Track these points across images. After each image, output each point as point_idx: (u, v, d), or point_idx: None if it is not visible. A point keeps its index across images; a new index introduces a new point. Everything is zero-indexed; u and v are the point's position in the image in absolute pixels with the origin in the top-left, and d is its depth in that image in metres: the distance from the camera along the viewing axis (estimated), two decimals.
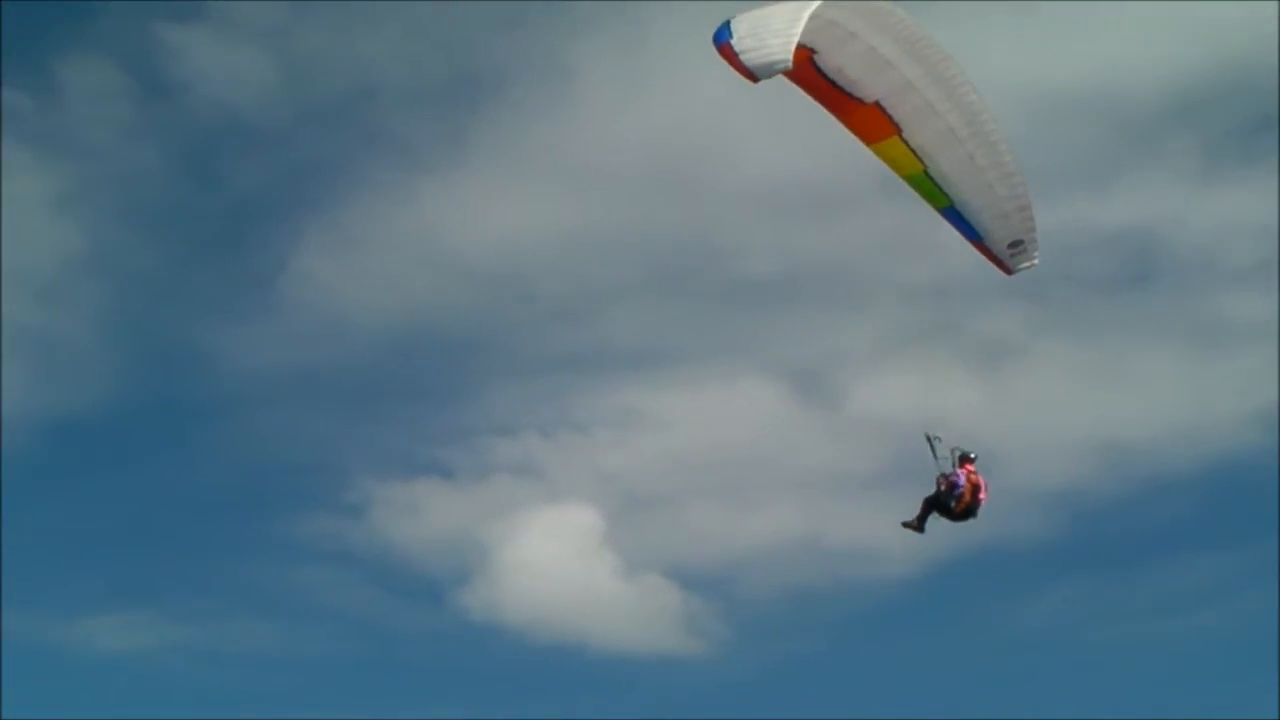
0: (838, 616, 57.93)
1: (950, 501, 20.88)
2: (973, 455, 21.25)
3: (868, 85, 19.40)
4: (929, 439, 21.01)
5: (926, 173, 20.69)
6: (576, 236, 63.67)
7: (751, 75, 16.66)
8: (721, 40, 17.07)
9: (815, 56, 18.58)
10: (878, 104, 19.71)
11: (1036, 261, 21.27)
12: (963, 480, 21.01)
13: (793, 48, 16.43)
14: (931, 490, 21.12)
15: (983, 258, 21.46)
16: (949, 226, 21.12)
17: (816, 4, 17.14)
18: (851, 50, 18.79)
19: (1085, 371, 59.88)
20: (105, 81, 63.58)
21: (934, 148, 20.38)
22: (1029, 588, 57.74)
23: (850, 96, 19.51)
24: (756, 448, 61.01)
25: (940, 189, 20.88)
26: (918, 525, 21.21)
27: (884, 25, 18.74)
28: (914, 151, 20.41)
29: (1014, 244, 21.18)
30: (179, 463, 62.42)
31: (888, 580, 55.93)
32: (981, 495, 21.16)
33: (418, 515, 60.48)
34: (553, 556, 58.28)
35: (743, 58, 16.54)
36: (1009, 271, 21.44)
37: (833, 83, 19.22)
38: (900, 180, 20.93)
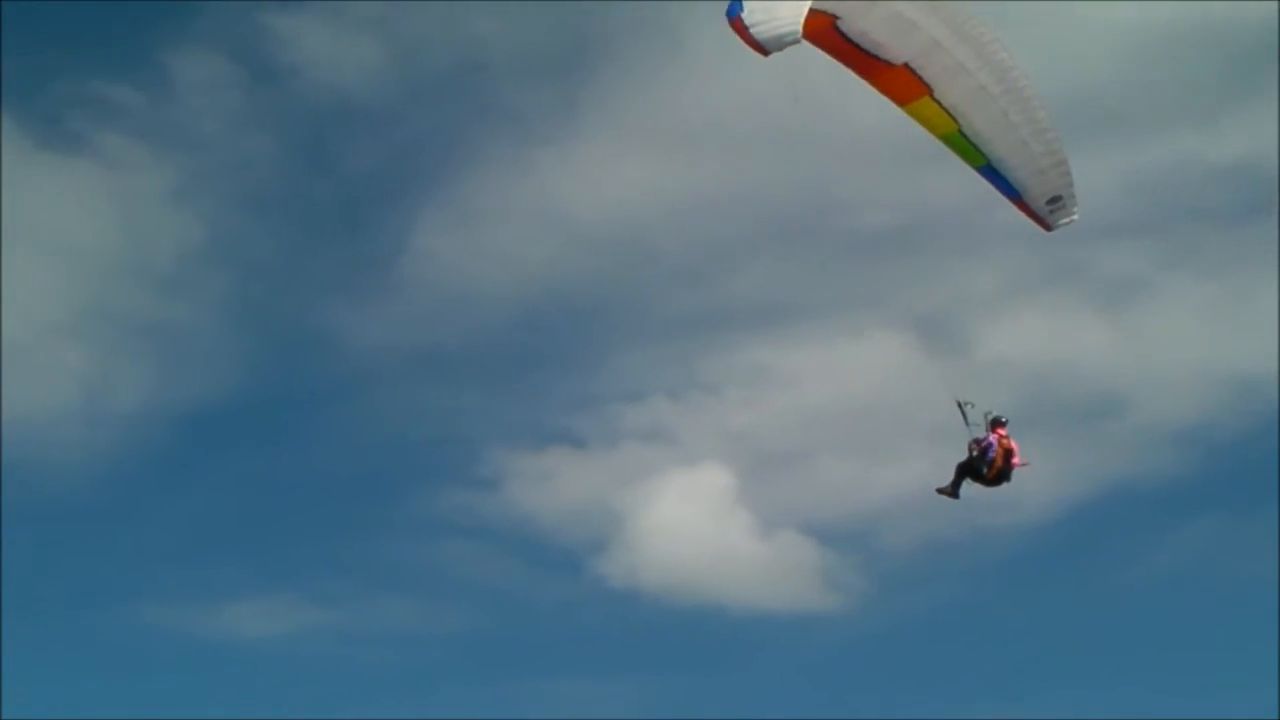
0: (974, 565, 57.45)
1: (982, 467, 21.05)
2: (1004, 419, 21.36)
3: (895, 47, 19.64)
4: (960, 405, 21.17)
5: (961, 131, 20.89)
6: (695, 197, 63.35)
7: (761, 48, 16.97)
8: (733, 14, 17.41)
9: (838, 22, 18.90)
10: (906, 65, 19.95)
11: (1076, 217, 21.35)
12: (995, 445, 21.13)
13: (802, 20, 16.70)
14: (964, 456, 21.30)
15: (1022, 215, 21.60)
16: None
17: None
18: (875, 14, 19.06)
19: (1212, 306, 59.07)
20: (214, 72, 64.55)
21: (966, 106, 20.56)
22: (1163, 526, 57.10)
23: (878, 59, 19.78)
24: (886, 399, 59.49)
25: (976, 147, 21.07)
26: (951, 491, 21.46)
27: None
28: (946, 111, 20.62)
29: (1052, 200, 21.30)
30: (311, 446, 63.30)
31: (1023, 526, 55.46)
32: (1015, 460, 21.25)
33: (551, 485, 60.88)
34: (688, 519, 58.61)
35: (752, 31, 16.87)
36: (1049, 228, 21.58)
37: (858, 47, 19.51)
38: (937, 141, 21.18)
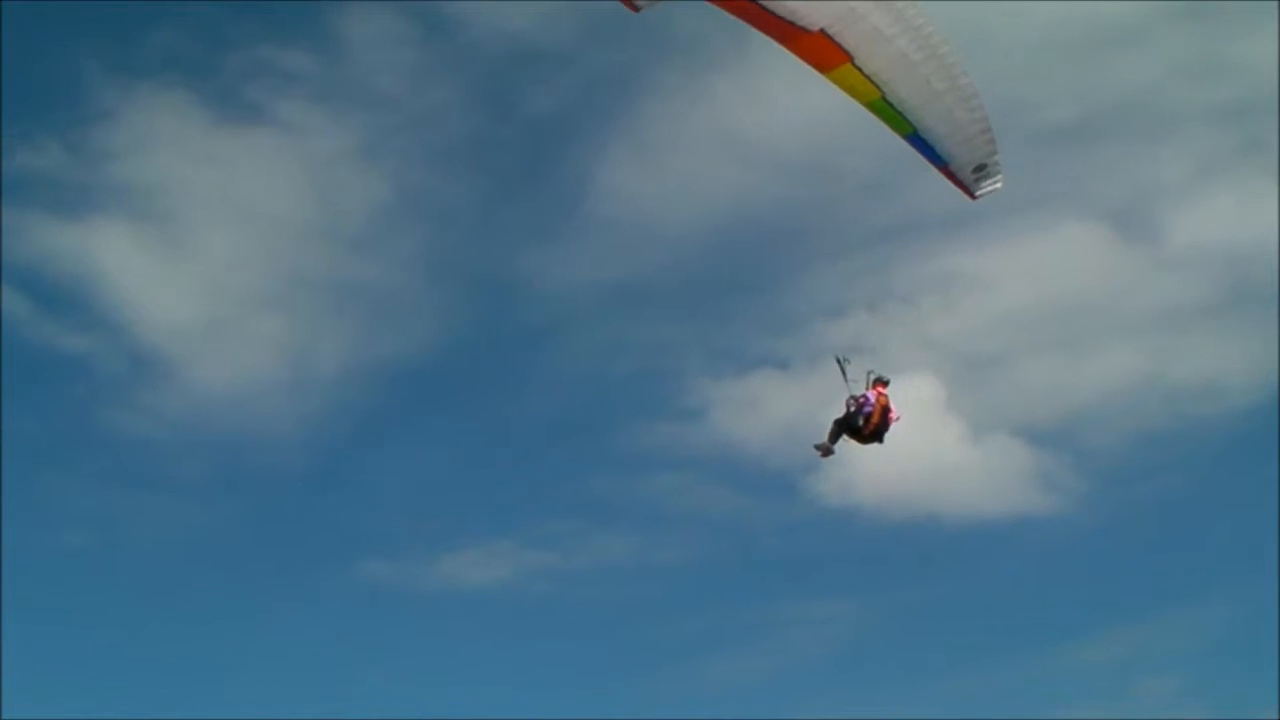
0: (1187, 455, 57.41)
1: (858, 421, 21.00)
2: (886, 379, 21.26)
3: (809, 13, 19.38)
4: (838, 360, 21.15)
5: (884, 99, 20.65)
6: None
7: (631, 4, 16.91)
8: None
9: None
10: (823, 32, 19.70)
11: (1000, 185, 21.12)
12: (872, 400, 21.11)
13: None
14: (841, 412, 21.27)
15: (949, 183, 21.36)
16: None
17: None
18: None
19: None
20: (386, 30, 65.03)
21: (889, 74, 20.30)
22: None
23: (794, 25, 19.54)
24: (1084, 293, 60.48)
25: (902, 115, 20.84)
26: (828, 447, 21.41)
27: None
28: (869, 78, 20.38)
29: (978, 168, 21.07)
30: (515, 391, 64.66)
31: (1235, 411, 55.45)
32: (892, 416, 21.21)
33: (757, 410, 61.01)
34: (896, 431, 58.06)
35: None
36: (973, 196, 21.34)
37: (771, 12, 19.28)
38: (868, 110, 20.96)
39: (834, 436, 21.49)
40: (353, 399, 61.17)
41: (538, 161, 67.05)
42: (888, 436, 21.52)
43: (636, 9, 17.16)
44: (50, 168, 60.03)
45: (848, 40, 19.87)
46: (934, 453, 56.83)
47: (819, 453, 21.55)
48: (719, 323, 66.15)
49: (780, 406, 59.79)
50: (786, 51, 20.12)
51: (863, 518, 57.14)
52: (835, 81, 20.57)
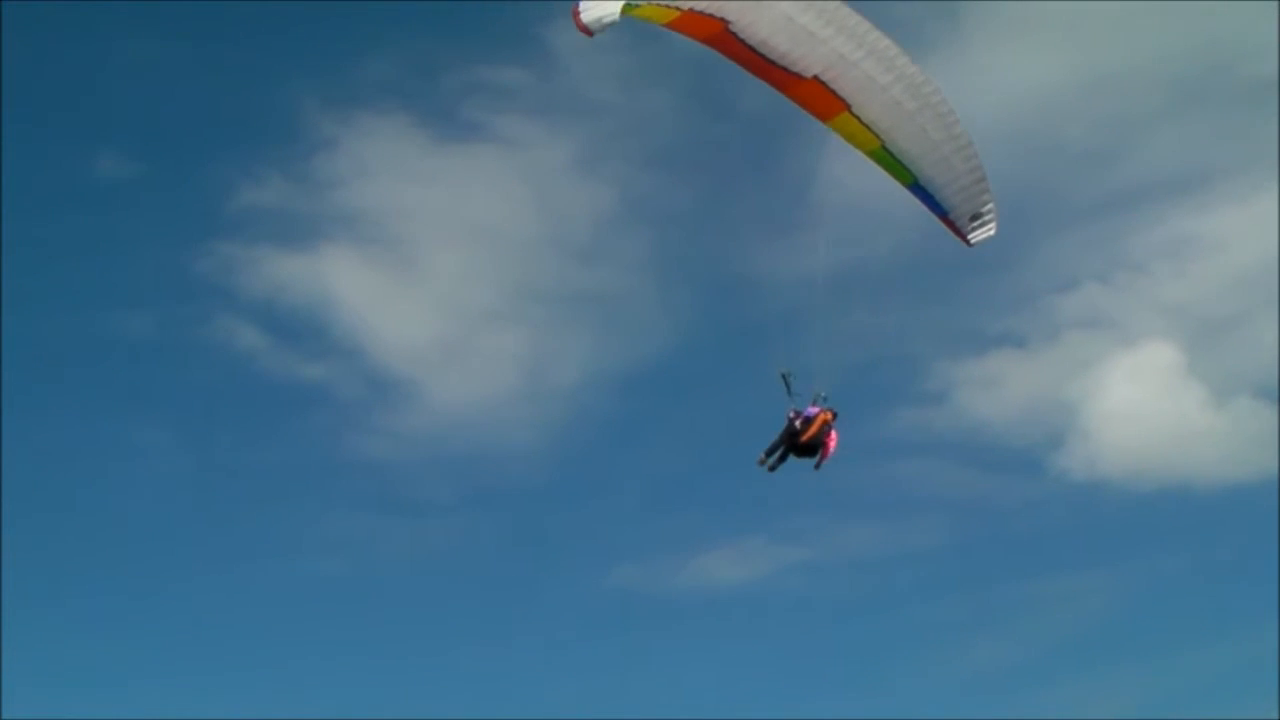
0: None
1: (796, 426, 21.02)
2: (834, 410, 21.35)
3: (800, 59, 20.18)
4: (783, 375, 21.29)
5: (884, 148, 21.23)
6: (1086, 76, 62.55)
7: (585, 29, 17.96)
8: (573, 4, 18.47)
9: (730, 26, 19.68)
10: (817, 79, 20.47)
11: (993, 232, 21.38)
12: (813, 414, 21.16)
13: (618, 7, 17.59)
14: (783, 426, 21.33)
15: (947, 230, 21.70)
16: None
17: None
18: (766, 20, 19.69)
19: None
20: (596, 38, 66.60)
21: (886, 123, 20.91)
22: None
23: (787, 71, 20.39)
24: None
25: (903, 164, 21.36)
26: (766, 460, 21.41)
27: None
28: (867, 126, 21.01)
29: (974, 216, 21.37)
30: (752, 387, 62.90)
31: None
32: (830, 444, 21.19)
33: (998, 389, 60.98)
34: (1140, 400, 58.76)
35: (582, 15, 17.85)
36: (969, 244, 21.57)
37: (762, 56, 20.18)
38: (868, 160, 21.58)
39: (770, 451, 21.51)
40: (591, 406, 61.79)
41: (757, 157, 66.99)
42: (826, 466, 21.55)
43: (590, 34, 18.13)
44: (275, 201, 62.22)
45: (842, 88, 20.59)
46: (1178, 420, 57.79)
47: (761, 466, 21.60)
48: (954, 303, 64.83)
49: (1021, 383, 60.13)
50: (788, 99, 21.01)
51: (1111, 489, 56.60)
52: (836, 130, 21.25)
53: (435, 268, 63.06)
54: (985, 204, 21.19)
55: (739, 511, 58.97)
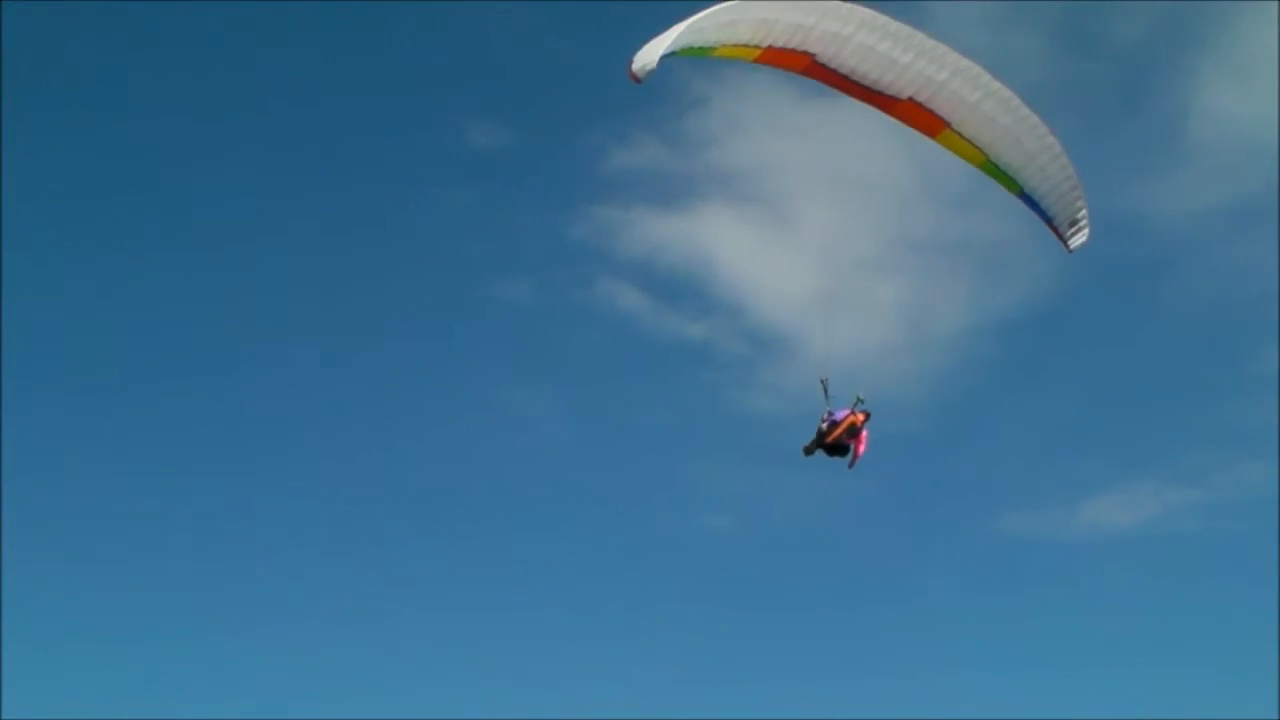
0: None
1: (823, 426, 22.01)
2: (868, 412, 22.46)
3: (891, 83, 21.71)
4: (821, 381, 22.33)
5: (990, 161, 22.35)
6: None
7: (634, 77, 20.11)
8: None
9: (817, 59, 21.53)
10: (912, 99, 21.97)
11: (1087, 238, 21.98)
12: (840, 417, 22.07)
13: (660, 53, 19.52)
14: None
15: (1052, 234, 22.45)
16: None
17: (697, 16, 19.90)
18: (850, 50, 21.37)
19: None
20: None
21: (986, 137, 22.06)
22: None
23: (883, 94, 22.03)
24: None
25: (1008, 175, 22.39)
26: (810, 448, 22.41)
27: (864, 22, 21.03)
28: (969, 142, 22.24)
29: (1072, 223, 22.05)
30: (1136, 327, 64.03)
31: None
32: (860, 445, 22.13)
33: None
34: None
35: (633, 65, 20.03)
36: (1069, 250, 22.21)
37: (856, 82, 21.92)
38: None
39: (811, 448, 22.73)
40: (973, 353, 61.95)
41: (1130, 95, 64.76)
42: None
43: (638, 81, 20.14)
44: (650, 163, 64.09)
45: (939, 107, 21.95)
46: None
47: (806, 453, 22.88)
48: None
49: None
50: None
51: None
52: (944, 145, 22.56)
53: (811, 222, 62.19)
54: (1080, 210, 21.85)
55: (1127, 454, 59.26)
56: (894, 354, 60.69)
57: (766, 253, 63.16)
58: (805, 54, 21.51)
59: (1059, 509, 58.33)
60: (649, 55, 19.56)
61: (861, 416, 22.51)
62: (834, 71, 21.81)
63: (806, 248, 62.89)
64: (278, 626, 53.90)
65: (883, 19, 21.17)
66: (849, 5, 21.01)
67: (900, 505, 61.28)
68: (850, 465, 22.61)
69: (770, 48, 21.23)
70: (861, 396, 22.67)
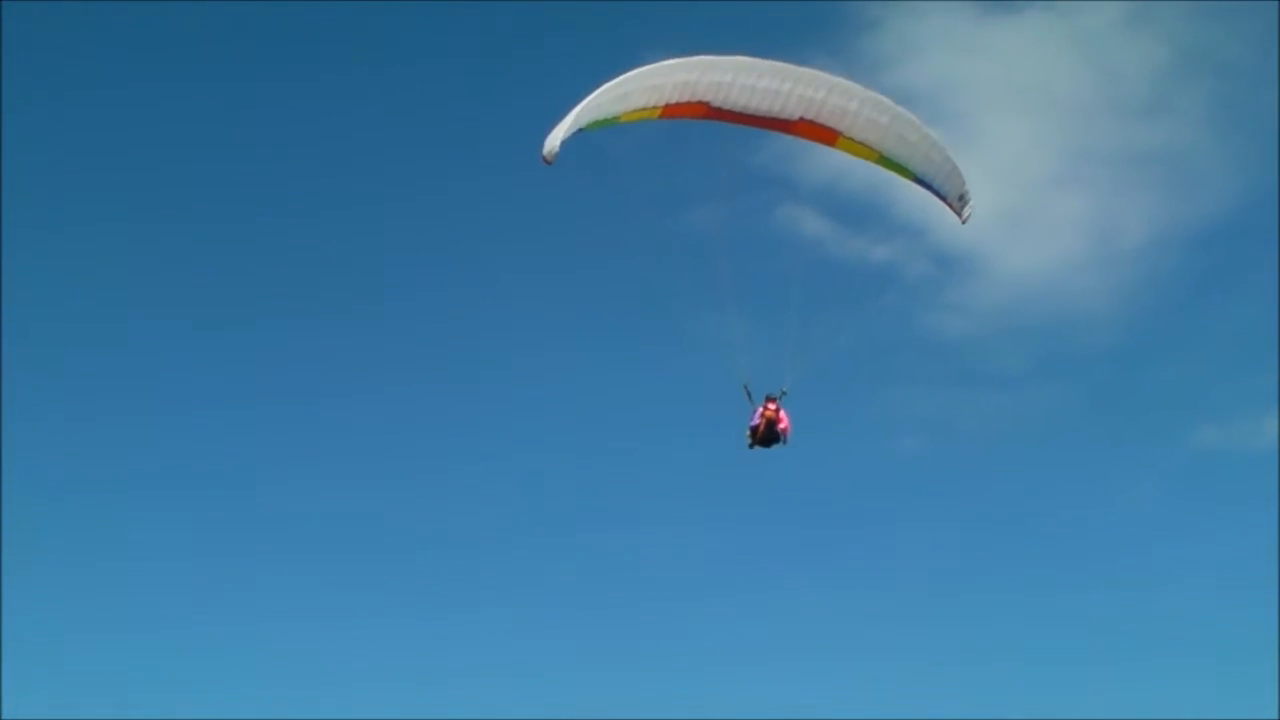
0: None
1: (747, 436, 24.95)
2: (776, 395, 25.16)
3: (781, 110, 24.76)
4: (744, 388, 25.16)
5: (883, 156, 25.31)
6: None
7: (544, 160, 23.15)
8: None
9: (711, 104, 24.70)
10: (803, 119, 24.99)
11: (972, 209, 24.84)
12: (756, 418, 25.02)
13: (561, 138, 22.59)
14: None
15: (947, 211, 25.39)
16: None
17: (592, 96, 22.91)
18: (737, 92, 24.49)
19: None
20: None
21: (876, 138, 25.02)
22: None
23: (779, 119, 25.09)
24: None
25: (901, 165, 25.34)
26: (751, 447, 25.23)
27: (741, 67, 24.10)
28: (862, 144, 25.21)
29: (960, 197, 24.93)
30: None
31: None
32: (781, 424, 24.98)
33: None
34: None
35: (542, 150, 22.97)
36: (963, 220, 25.13)
37: (751, 114, 25.00)
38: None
39: (752, 446, 25.36)
40: (1162, 265, 61.80)
41: None
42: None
43: (547, 163, 23.23)
44: None
45: (827, 120, 24.94)
46: None
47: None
48: None
49: None
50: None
51: None
52: (842, 150, 25.56)
53: (993, 139, 63.01)
54: (963, 186, 24.80)
55: None
56: (1081, 268, 63.25)
57: None
58: (700, 103, 24.73)
59: (1252, 421, 58.48)
60: (552, 140, 22.92)
61: (773, 406, 25.29)
62: (730, 111, 24.98)
63: (990, 165, 61.36)
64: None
65: (757, 61, 24.34)
66: (725, 57, 24.20)
67: (1092, 421, 61.88)
68: (784, 443, 25.43)
69: (668, 105, 24.49)
70: (784, 389, 25.46)
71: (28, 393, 56.97)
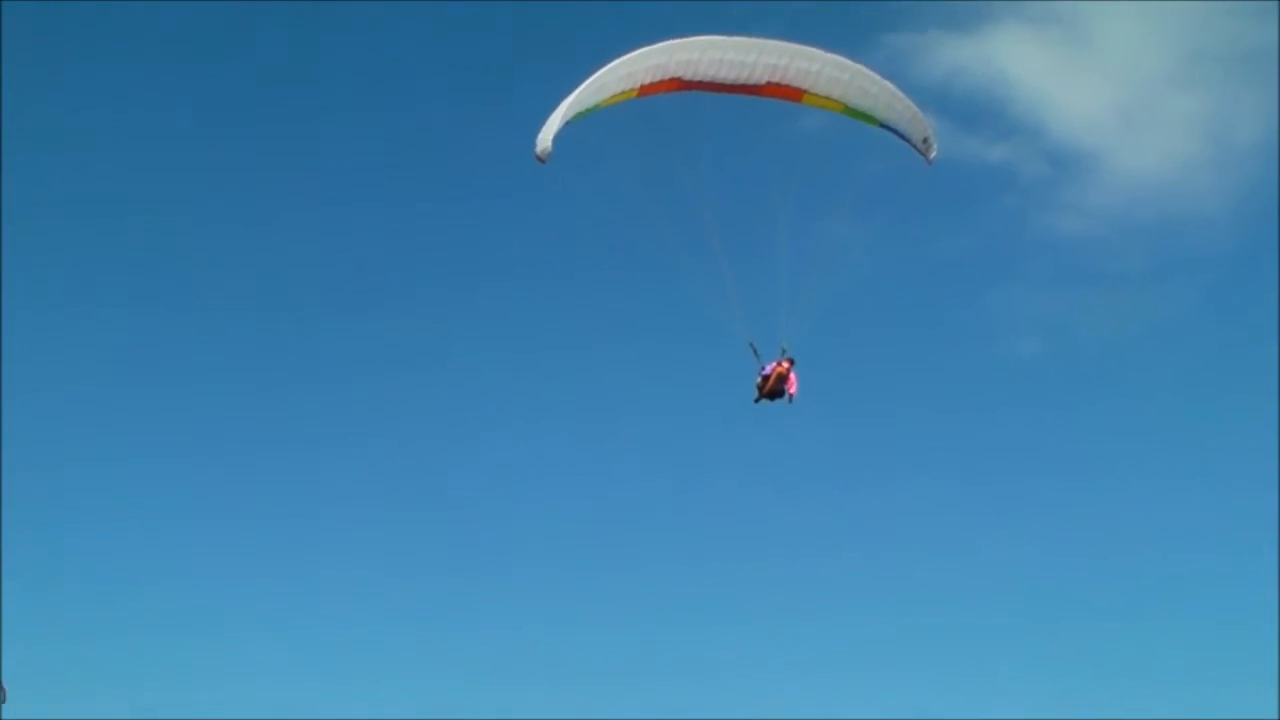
0: None
1: (758, 381, 26.91)
2: (792, 359, 26.85)
3: (749, 77, 26.56)
4: (751, 345, 27.01)
5: (849, 108, 27.13)
6: None
7: (537, 159, 25.13)
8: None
9: (684, 79, 26.48)
10: (770, 82, 26.79)
11: (937, 151, 26.72)
12: (769, 370, 26.82)
13: (552, 135, 24.54)
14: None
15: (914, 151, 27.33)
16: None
17: (575, 93, 24.79)
18: (706, 65, 26.25)
19: None
20: None
21: (838, 91, 26.84)
22: None
23: (747, 86, 26.89)
24: None
25: (866, 114, 27.18)
26: (757, 400, 27.28)
27: (708, 44, 25.85)
28: (827, 98, 27.04)
29: (924, 140, 26.81)
30: None
31: None
32: (791, 387, 26.74)
33: None
34: None
35: (535, 149, 25.07)
36: (928, 162, 27.03)
37: (721, 83, 26.79)
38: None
39: (757, 399, 27.20)
40: (1276, 165, 61.22)
41: None
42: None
43: (542, 162, 25.17)
44: None
45: (792, 80, 26.74)
46: None
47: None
48: None
49: None
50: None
51: None
52: (810, 104, 27.38)
53: (1106, 38, 64.15)
54: (927, 130, 26.64)
55: None
56: (1198, 167, 63.67)
57: (1063, 72, 64.06)
58: (673, 79, 26.53)
59: None
60: (544, 139, 24.85)
61: (787, 364, 27.19)
62: (701, 82, 26.78)
63: (1104, 65, 64.32)
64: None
65: (721, 37, 26.11)
66: (693, 38, 25.96)
67: (1208, 322, 62.83)
68: (789, 401, 27.44)
69: (643, 85, 26.31)
70: (785, 346, 27.55)
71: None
